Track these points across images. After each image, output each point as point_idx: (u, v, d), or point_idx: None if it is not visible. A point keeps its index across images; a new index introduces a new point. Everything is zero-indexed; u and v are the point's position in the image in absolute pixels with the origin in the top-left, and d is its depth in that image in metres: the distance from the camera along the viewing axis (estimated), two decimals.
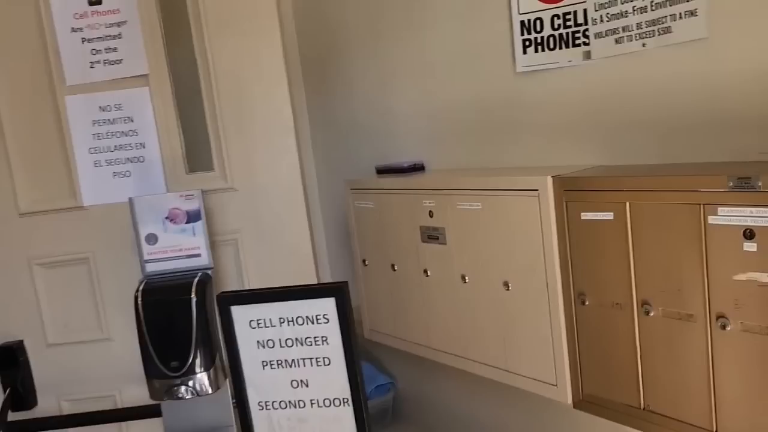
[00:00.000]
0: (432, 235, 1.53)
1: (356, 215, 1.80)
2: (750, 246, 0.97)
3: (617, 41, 1.30)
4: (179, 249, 1.49)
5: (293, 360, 1.27)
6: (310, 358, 1.26)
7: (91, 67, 1.69)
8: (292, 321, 1.26)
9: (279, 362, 1.28)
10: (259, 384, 1.29)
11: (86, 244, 1.73)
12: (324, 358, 1.25)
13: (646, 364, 1.14)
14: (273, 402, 1.29)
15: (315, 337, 1.25)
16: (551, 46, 1.42)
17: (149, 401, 1.45)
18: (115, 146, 1.71)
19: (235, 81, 1.71)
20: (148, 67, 1.68)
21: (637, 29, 1.26)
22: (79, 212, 1.72)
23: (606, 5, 1.31)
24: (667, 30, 1.21)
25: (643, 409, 1.16)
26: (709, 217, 1.01)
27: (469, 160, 1.68)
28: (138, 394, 1.60)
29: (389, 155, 1.93)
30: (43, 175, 1.72)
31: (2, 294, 1.74)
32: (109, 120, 1.71)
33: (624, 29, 1.28)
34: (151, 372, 1.40)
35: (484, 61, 1.59)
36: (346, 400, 1.25)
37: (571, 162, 1.41)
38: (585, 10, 1.35)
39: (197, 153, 1.76)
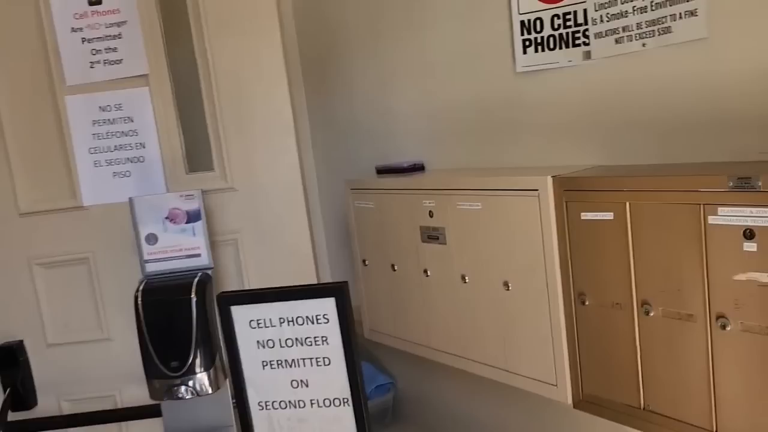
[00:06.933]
0: (432, 235, 1.53)
1: (356, 215, 1.80)
2: (750, 246, 0.97)
3: (617, 41, 1.30)
4: (179, 249, 1.49)
5: (293, 360, 1.27)
6: (310, 358, 1.26)
7: (91, 67, 1.69)
8: (292, 321, 1.26)
9: (279, 362, 1.28)
10: (259, 384, 1.29)
11: (86, 244, 1.73)
12: (324, 358, 1.25)
13: (646, 364, 1.14)
14: (273, 402, 1.29)
15: (315, 337, 1.25)
16: (551, 46, 1.42)
17: (149, 401, 1.45)
18: (115, 146, 1.72)
19: (235, 81, 1.71)
20: (148, 67, 1.68)
21: (637, 29, 1.26)
22: (79, 212, 1.72)
23: (606, 5, 1.31)
24: (667, 30, 1.21)
25: (643, 409, 1.16)
26: (709, 217, 1.01)
27: (469, 160, 1.68)
28: (138, 394, 1.60)
29: (389, 155, 1.93)
30: (43, 175, 1.72)
31: (2, 294, 1.74)
32: (109, 120, 1.71)
33: (624, 29, 1.28)
34: (151, 372, 1.40)
35: (484, 61, 1.59)
36: (346, 400, 1.25)
37: (571, 162, 1.41)
38: (585, 10, 1.35)
39: (197, 153, 1.76)
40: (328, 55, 2.14)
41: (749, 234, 0.96)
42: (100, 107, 1.70)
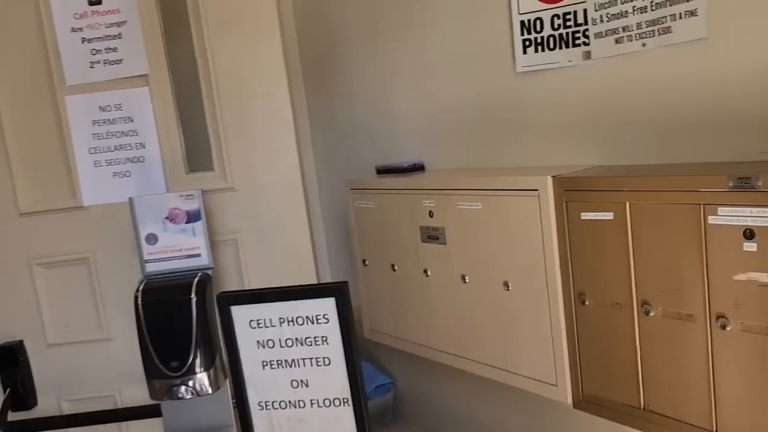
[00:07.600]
0: (432, 235, 1.53)
1: (356, 215, 1.80)
2: (750, 246, 0.97)
3: (617, 41, 1.30)
4: (179, 249, 1.49)
5: (293, 360, 1.27)
6: (310, 358, 1.26)
7: (91, 67, 1.69)
8: (292, 321, 1.26)
9: (279, 362, 1.28)
10: (259, 384, 1.29)
11: (86, 244, 1.73)
12: (324, 358, 1.25)
13: (646, 364, 1.14)
14: (273, 402, 1.29)
15: (315, 337, 1.25)
16: (551, 46, 1.42)
17: (149, 401, 1.45)
18: (115, 146, 1.72)
19: (235, 81, 1.71)
20: (148, 67, 1.68)
21: (637, 29, 1.26)
22: (79, 212, 1.72)
23: (606, 5, 1.31)
24: (667, 30, 1.21)
25: (643, 409, 1.16)
26: (709, 217, 1.01)
27: (469, 160, 1.68)
28: (138, 394, 1.60)
29: (389, 155, 1.93)
30: (43, 175, 1.72)
31: (2, 294, 1.74)
32: (109, 120, 1.71)
33: (624, 29, 1.28)
34: (151, 372, 1.41)
35: (484, 61, 1.59)
36: (346, 400, 1.25)
37: (571, 162, 1.41)
38: (585, 10, 1.35)
39: (197, 153, 1.76)
40: (328, 55, 2.14)
41: (749, 234, 0.96)
42: (100, 107, 1.70)
